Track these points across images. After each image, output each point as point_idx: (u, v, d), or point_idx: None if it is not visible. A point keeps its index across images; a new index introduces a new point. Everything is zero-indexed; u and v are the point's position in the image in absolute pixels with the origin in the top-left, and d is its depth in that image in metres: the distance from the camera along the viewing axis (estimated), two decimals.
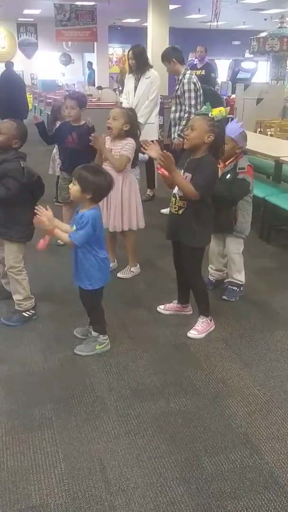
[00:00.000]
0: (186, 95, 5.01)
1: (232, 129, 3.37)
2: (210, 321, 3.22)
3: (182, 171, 2.92)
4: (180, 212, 2.96)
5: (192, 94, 5.00)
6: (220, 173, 3.43)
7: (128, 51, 5.85)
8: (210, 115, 2.84)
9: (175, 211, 2.99)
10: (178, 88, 5.10)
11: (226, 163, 3.41)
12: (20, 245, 3.17)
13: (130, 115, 3.72)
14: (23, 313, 3.25)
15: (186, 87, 5.00)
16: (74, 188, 2.64)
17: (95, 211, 2.68)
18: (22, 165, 3.02)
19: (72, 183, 2.65)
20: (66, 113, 4.33)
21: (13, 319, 3.23)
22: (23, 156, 3.11)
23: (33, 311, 3.28)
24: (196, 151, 2.90)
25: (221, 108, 2.93)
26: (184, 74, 5.06)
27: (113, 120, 3.63)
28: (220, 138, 2.87)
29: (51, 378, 2.70)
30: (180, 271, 3.28)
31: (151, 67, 5.70)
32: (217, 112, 2.85)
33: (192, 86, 5.00)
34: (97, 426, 2.35)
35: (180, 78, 5.08)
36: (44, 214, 2.64)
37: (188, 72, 5.16)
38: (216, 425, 2.36)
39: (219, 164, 3.38)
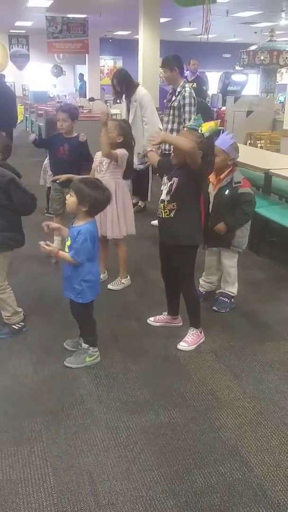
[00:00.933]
0: (187, 108, 4.99)
1: (223, 140, 3.40)
2: (200, 333, 3.22)
3: (165, 177, 2.99)
4: (172, 214, 2.96)
5: (192, 109, 5.01)
6: (213, 188, 3.45)
7: (112, 79, 5.79)
8: (200, 131, 2.79)
9: (167, 215, 2.98)
10: (175, 100, 5.05)
11: (221, 177, 3.43)
12: (3, 258, 3.06)
13: (124, 126, 3.76)
14: (13, 326, 3.24)
15: (187, 101, 4.98)
16: (71, 199, 2.66)
17: (91, 225, 2.70)
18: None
19: (69, 194, 2.67)
20: (58, 125, 4.36)
21: (3, 332, 3.22)
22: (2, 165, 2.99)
23: (22, 323, 3.27)
24: (183, 167, 2.88)
25: (211, 123, 2.87)
26: (184, 87, 5.04)
27: (107, 133, 3.65)
28: (207, 154, 2.85)
29: (41, 391, 2.69)
30: (168, 281, 3.29)
31: (137, 86, 5.71)
32: (207, 127, 2.80)
33: (192, 100, 5.02)
34: (87, 439, 2.34)
35: (179, 90, 5.03)
36: (49, 250, 2.73)
37: (187, 85, 5.16)
38: (205, 438, 2.37)
39: (212, 178, 3.43)
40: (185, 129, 3.01)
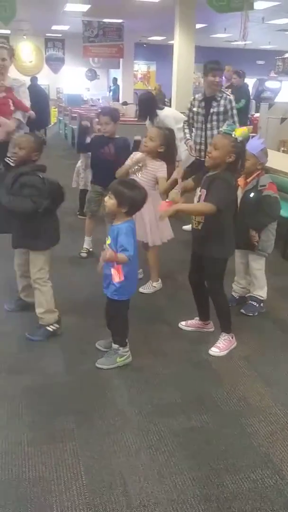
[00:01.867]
0: (235, 111, 4.95)
1: (253, 145, 3.41)
2: (232, 338, 3.21)
3: (198, 189, 3.00)
4: (199, 227, 3.00)
5: (235, 112, 5.00)
6: (241, 191, 3.45)
7: (138, 99, 5.86)
8: (233, 135, 2.85)
9: (196, 226, 3.03)
10: (216, 105, 4.91)
11: (248, 180, 3.44)
12: (46, 254, 3.20)
13: (168, 136, 3.72)
14: (47, 328, 3.24)
15: (234, 104, 4.95)
16: (110, 201, 2.70)
17: (129, 223, 2.75)
18: (41, 176, 3.05)
19: (108, 197, 2.72)
20: (101, 129, 4.35)
21: (37, 334, 3.23)
22: (42, 169, 3.14)
23: (57, 326, 3.27)
24: (216, 169, 2.94)
25: (244, 128, 2.98)
26: (223, 92, 5.04)
27: (149, 140, 3.65)
28: (240, 158, 2.91)
29: (73, 390, 2.72)
30: (196, 287, 3.30)
31: (161, 109, 5.69)
32: (240, 132, 2.88)
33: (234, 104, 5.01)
34: (118, 440, 2.36)
35: (220, 95, 4.94)
36: (109, 256, 2.68)
37: (225, 90, 5.11)
38: (237, 444, 2.35)
39: (241, 181, 3.43)
40: (220, 133, 3.03)
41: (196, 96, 5.13)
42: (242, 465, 2.23)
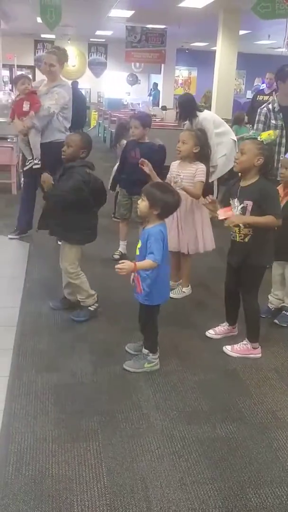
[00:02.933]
0: None
1: None
2: (255, 348, 3.17)
3: (236, 199, 2.96)
4: (246, 239, 2.98)
5: None
6: (282, 201, 3.39)
7: (177, 100, 5.90)
8: (259, 139, 2.92)
9: (241, 239, 3.00)
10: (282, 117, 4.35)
11: None
12: (78, 249, 3.37)
13: (200, 136, 3.73)
14: (89, 308, 3.48)
15: None
16: (142, 203, 2.71)
17: (161, 227, 2.74)
18: (88, 171, 3.27)
19: (141, 199, 2.72)
20: (130, 132, 4.45)
21: (81, 315, 3.46)
22: (90, 165, 3.34)
23: (97, 305, 3.51)
24: (246, 175, 2.96)
25: (270, 132, 3.03)
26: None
27: (182, 144, 3.66)
28: (269, 160, 2.95)
29: (100, 391, 2.73)
30: (230, 295, 3.26)
31: (200, 111, 5.67)
32: (266, 135, 2.94)
33: None
34: (142, 443, 2.35)
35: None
36: (124, 269, 2.66)
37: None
38: (262, 457, 2.31)
39: (280, 190, 3.37)
40: (246, 141, 3.09)
41: (270, 107, 4.40)
42: (267, 479, 2.18)
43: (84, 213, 3.30)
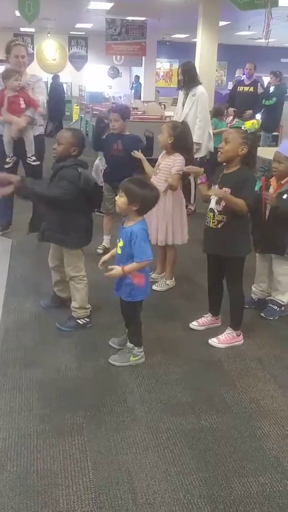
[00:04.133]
0: None
1: (286, 147, 3.36)
2: (238, 335, 3.21)
3: (217, 186, 2.98)
4: (220, 226, 3.00)
5: None
6: (274, 193, 3.39)
7: (178, 68, 6.04)
8: (243, 128, 2.92)
9: (214, 225, 3.03)
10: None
11: (282, 182, 3.38)
12: (78, 252, 3.23)
13: (175, 127, 3.72)
14: (78, 321, 3.29)
15: None
16: (121, 199, 2.69)
17: (141, 224, 2.73)
18: (79, 171, 3.06)
19: (119, 195, 2.70)
20: (110, 125, 4.41)
21: (67, 325, 3.29)
22: (83, 164, 3.16)
23: (87, 319, 3.32)
24: (230, 164, 2.98)
25: (253, 121, 3.03)
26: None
27: (161, 135, 3.71)
28: (253, 149, 2.97)
29: (84, 386, 2.73)
30: (213, 282, 3.30)
31: (200, 83, 5.79)
32: (250, 125, 3.00)
33: None
34: (127, 436, 2.35)
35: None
36: (114, 274, 2.71)
37: None
38: (247, 446, 2.33)
39: (273, 183, 3.39)
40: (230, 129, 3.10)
41: None
42: (251, 468, 2.20)
43: (77, 214, 3.13)
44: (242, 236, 3.04)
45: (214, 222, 3.02)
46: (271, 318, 3.56)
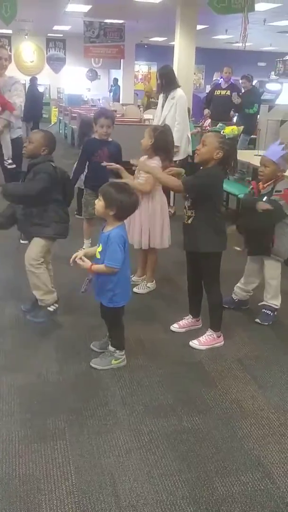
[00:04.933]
0: None
1: (273, 151, 3.40)
2: (218, 337, 3.23)
3: None
4: (189, 221, 3.07)
5: None
6: (257, 193, 3.44)
7: (157, 71, 6.08)
8: (222, 133, 2.97)
9: (186, 221, 3.10)
10: None
11: (264, 185, 3.42)
12: (48, 242, 3.30)
13: (155, 129, 3.76)
14: (48, 308, 3.34)
15: None
16: (99, 203, 2.69)
17: (119, 230, 2.71)
18: (53, 164, 3.25)
19: (98, 199, 2.70)
20: (103, 131, 4.32)
21: (39, 315, 3.34)
22: (52, 160, 3.31)
23: (56, 305, 3.38)
24: (205, 166, 3.02)
25: (234, 127, 3.06)
26: None
27: (143, 139, 3.73)
28: (229, 155, 2.99)
29: (66, 390, 2.72)
30: (192, 283, 3.32)
31: (178, 86, 5.83)
32: (229, 130, 2.99)
33: None
34: (109, 439, 2.36)
35: None
36: (83, 265, 2.72)
37: None
38: (228, 446, 2.35)
39: (260, 187, 3.43)
40: (209, 132, 3.16)
41: None
42: (233, 468, 2.22)
43: (52, 206, 3.25)
44: (211, 231, 3.03)
45: (186, 218, 3.10)
46: (266, 324, 3.55)
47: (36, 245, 3.27)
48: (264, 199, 3.38)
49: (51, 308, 3.35)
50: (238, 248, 3.53)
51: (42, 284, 3.28)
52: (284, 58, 11.77)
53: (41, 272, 3.27)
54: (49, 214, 3.24)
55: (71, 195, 3.50)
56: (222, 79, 9.31)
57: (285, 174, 3.48)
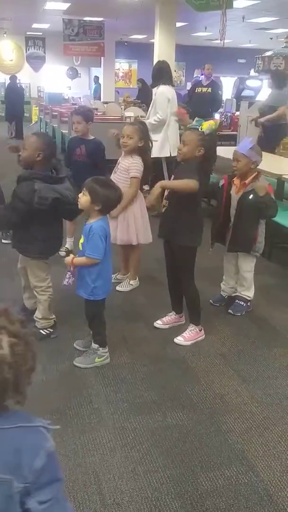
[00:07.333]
0: None
1: (242, 145, 3.45)
2: (200, 330, 3.26)
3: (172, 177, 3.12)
4: (164, 210, 3.12)
5: None
6: (236, 192, 3.45)
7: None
8: (200, 129, 2.98)
9: (164, 211, 3.14)
10: None
11: (246, 182, 3.42)
12: (39, 262, 3.10)
13: (142, 129, 3.74)
14: (40, 330, 3.18)
15: None
16: (84, 198, 2.69)
17: (102, 222, 2.73)
18: (35, 187, 2.80)
19: (82, 193, 2.70)
20: (73, 128, 4.37)
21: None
22: (42, 178, 2.86)
23: (51, 330, 3.21)
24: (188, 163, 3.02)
25: (211, 122, 3.08)
26: None
27: (128, 139, 3.65)
28: (210, 150, 3.01)
29: (49, 389, 2.70)
30: (172, 279, 3.33)
31: (164, 84, 5.81)
32: (207, 125, 3.02)
33: None
34: (94, 438, 2.35)
35: None
36: (65, 259, 2.78)
37: None
38: (212, 441, 2.36)
39: (236, 182, 3.45)
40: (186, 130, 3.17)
41: None
42: (217, 462, 2.24)
43: (38, 226, 2.94)
44: (185, 224, 3.03)
45: (164, 206, 3.13)
46: (239, 314, 3.62)
47: (31, 269, 3.11)
48: (250, 197, 3.39)
49: (43, 332, 3.18)
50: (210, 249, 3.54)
51: (43, 310, 3.15)
52: (263, 55, 11.83)
53: (44, 300, 3.12)
54: (32, 234, 2.96)
55: (64, 213, 3.08)
56: (203, 76, 9.34)
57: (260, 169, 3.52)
